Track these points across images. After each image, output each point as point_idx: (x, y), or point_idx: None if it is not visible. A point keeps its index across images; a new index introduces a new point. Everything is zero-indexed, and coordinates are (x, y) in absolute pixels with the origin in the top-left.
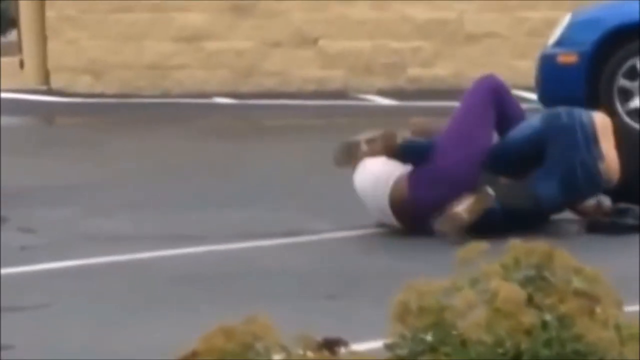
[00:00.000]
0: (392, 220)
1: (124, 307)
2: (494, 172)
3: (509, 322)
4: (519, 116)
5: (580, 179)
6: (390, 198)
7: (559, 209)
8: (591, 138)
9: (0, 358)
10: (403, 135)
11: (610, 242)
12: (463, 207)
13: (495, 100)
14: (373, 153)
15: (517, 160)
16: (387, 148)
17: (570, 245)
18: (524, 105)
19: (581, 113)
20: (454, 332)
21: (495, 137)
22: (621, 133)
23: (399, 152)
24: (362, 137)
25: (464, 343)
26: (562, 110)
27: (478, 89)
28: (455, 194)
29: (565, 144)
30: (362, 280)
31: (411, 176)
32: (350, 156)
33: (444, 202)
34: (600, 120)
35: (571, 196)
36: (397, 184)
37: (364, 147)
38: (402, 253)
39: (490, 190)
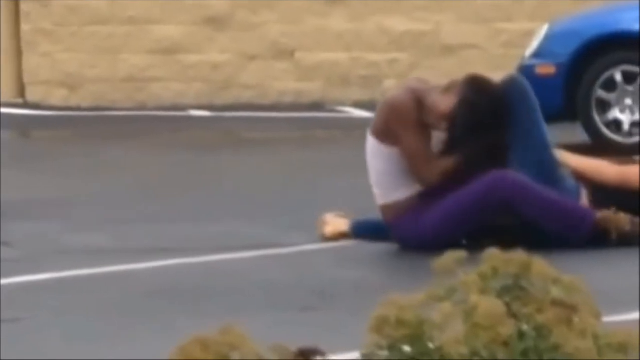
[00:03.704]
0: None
1: (100, 321)
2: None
3: (488, 334)
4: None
5: None
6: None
7: None
8: None
9: None
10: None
11: (589, 255)
12: None
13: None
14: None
15: None
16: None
17: (548, 258)
18: None
19: None
20: (432, 346)
21: None
22: None
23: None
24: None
25: (442, 357)
26: None
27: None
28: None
29: None
30: (338, 292)
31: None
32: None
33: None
34: None
35: None
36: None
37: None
38: (377, 265)
39: None
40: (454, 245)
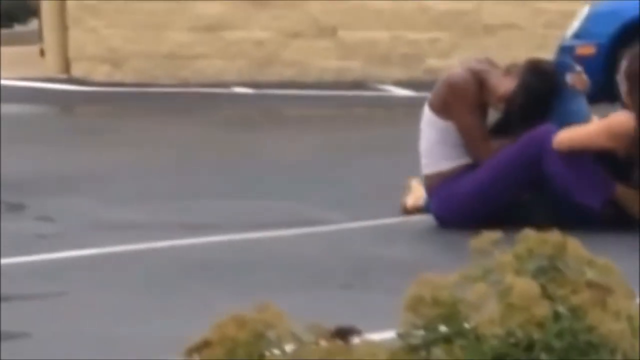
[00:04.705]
0: None
1: (139, 296)
2: None
3: (523, 315)
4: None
5: None
6: None
7: None
8: None
9: (16, 346)
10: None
11: (620, 237)
12: None
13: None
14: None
15: None
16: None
17: (582, 238)
18: None
19: None
20: (467, 326)
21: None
22: None
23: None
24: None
25: (477, 337)
26: None
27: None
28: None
29: None
30: (377, 270)
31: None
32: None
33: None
34: None
35: None
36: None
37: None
38: (417, 243)
39: None
40: (487, 213)
